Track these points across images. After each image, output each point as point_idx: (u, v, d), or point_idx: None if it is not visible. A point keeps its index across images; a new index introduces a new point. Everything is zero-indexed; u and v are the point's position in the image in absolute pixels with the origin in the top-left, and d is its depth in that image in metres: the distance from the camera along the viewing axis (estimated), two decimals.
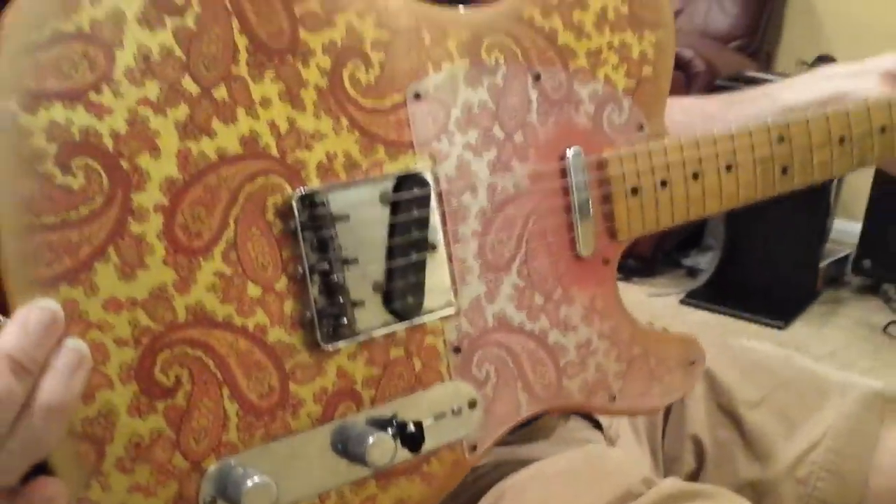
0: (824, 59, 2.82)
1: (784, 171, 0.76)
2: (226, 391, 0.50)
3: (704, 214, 0.72)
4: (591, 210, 0.65)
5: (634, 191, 0.67)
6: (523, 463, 0.65)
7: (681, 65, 2.62)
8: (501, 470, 0.65)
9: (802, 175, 0.77)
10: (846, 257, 2.87)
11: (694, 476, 0.81)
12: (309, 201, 0.52)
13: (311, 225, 0.52)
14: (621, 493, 0.60)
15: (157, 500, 0.49)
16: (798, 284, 2.69)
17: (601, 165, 0.65)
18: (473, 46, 0.59)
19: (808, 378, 0.85)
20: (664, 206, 0.69)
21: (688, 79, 2.68)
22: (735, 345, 0.89)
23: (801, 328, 2.60)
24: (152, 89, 0.47)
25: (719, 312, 2.61)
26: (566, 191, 0.64)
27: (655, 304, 0.67)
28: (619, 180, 0.66)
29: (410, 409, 0.57)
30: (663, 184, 0.68)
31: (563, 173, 0.63)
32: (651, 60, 0.68)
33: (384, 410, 0.56)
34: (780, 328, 2.57)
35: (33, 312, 0.43)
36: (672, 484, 0.61)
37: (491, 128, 0.60)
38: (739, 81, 2.86)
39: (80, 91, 0.45)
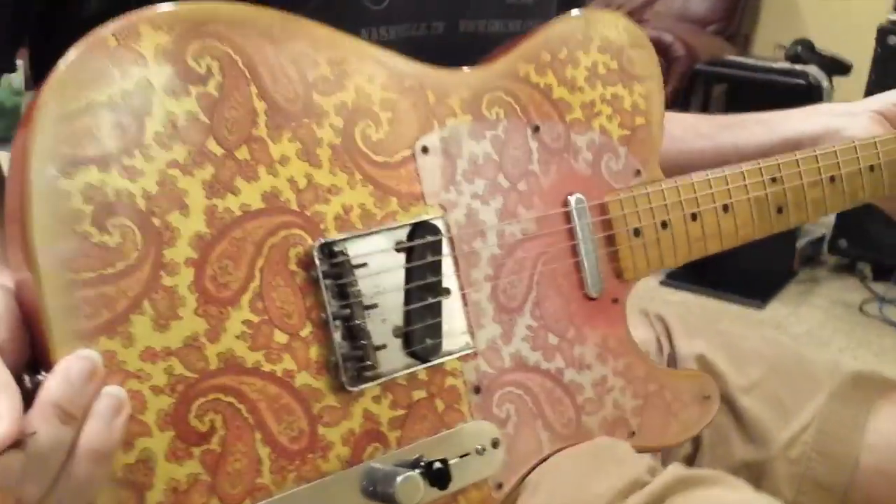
0: (802, 43, 2.87)
1: (779, 210, 0.79)
2: (258, 435, 0.52)
3: (707, 253, 0.75)
4: (597, 252, 0.67)
5: (636, 232, 0.70)
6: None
7: (661, 49, 2.67)
8: None
9: (797, 213, 0.80)
10: (822, 237, 2.93)
11: (690, 459, 0.81)
12: (328, 251, 0.55)
13: (332, 273, 0.55)
14: (629, 481, 0.61)
15: None
16: (775, 265, 2.74)
17: (603, 210, 0.68)
18: (474, 103, 0.63)
19: (798, 362, 0.86)
20: (666, 246, 0.71)
21: (668, 63, 2.72)
22: (726, 331, 0.90)
23: (778, 307, 2.65)
24: (180, 152, 0.51)
25: (698, 293, 2.67)
26: (571, 234, 0.67)
27: (637, 286, 0.69)
28: (621, 222, 0.69)
29: (436, 449, 0.59)
30: (664, 225, 0.71)
31: (568, 218, 0.66)
32: (643, 111, 0.72)
33: (411, 451, 0.58)
34: (758, 307, 2.62)
35: (75, 362, 0.46)
36: (674, 471, 0.62)
37: (496, 178, 0.63)
38: (719, 66, 2.92)
39: (113, 156, 0.49)
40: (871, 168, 0.85)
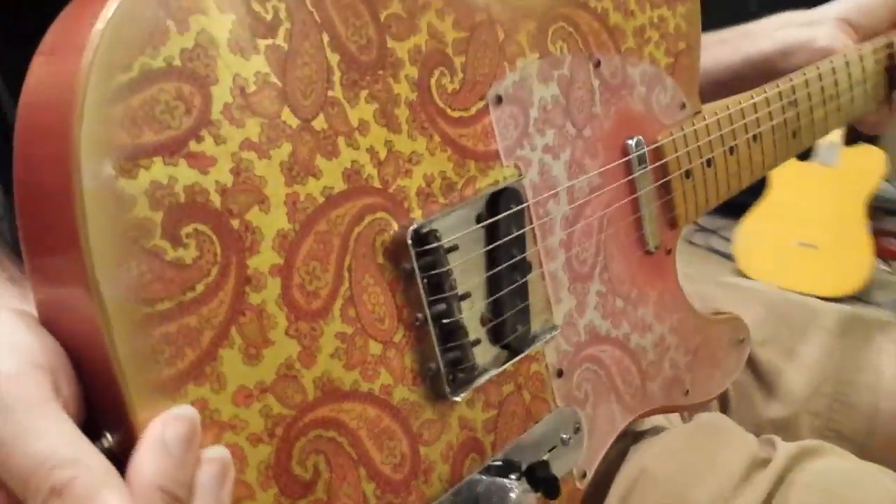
0: None
1: (794, 134, 0.74)
2: (362, 471, 0.43)
3: (738, 189, 0.69)
4: (655, 202, 0.60)
5: (688, 174, 0.63)
6: (638, 435, 0.61)
7: None
8: (618, 445, 0.60)
9: (808, 136, 0.77)
10: None
11: None
12: (422, 237, 0.45)
13: (426, 263, 0.45)
14: (749, 461, 0.58)
15: None
16: None
17: (658, 154, 0.61)
18: (541, 37, 0.53)
19: (792, 307, 0.86)
20: (710, 185, 0.66)
21: None
22: (726, 282, 0.88)
23: None
24: (253, 128, 0.39)
25: None
26: (631, 185, 0.59)
27: None
28: (675, 165, 0.62)
29: (528, 449, 0.51)
30: (709, 163, 0.65)
31: (628, 167, 0.59)
32: (684, 34, 0.64)
33: (505, 456, 0.50)
34: None
35: (170, 427, 0.35)
36: (786, 444, 0.59)
37: (564, 125, 0.54)
38: None
39: (180, 141, 0.36)
40: (862, 82, 0.82)
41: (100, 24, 0.34)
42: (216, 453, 0.36)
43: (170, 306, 0.36)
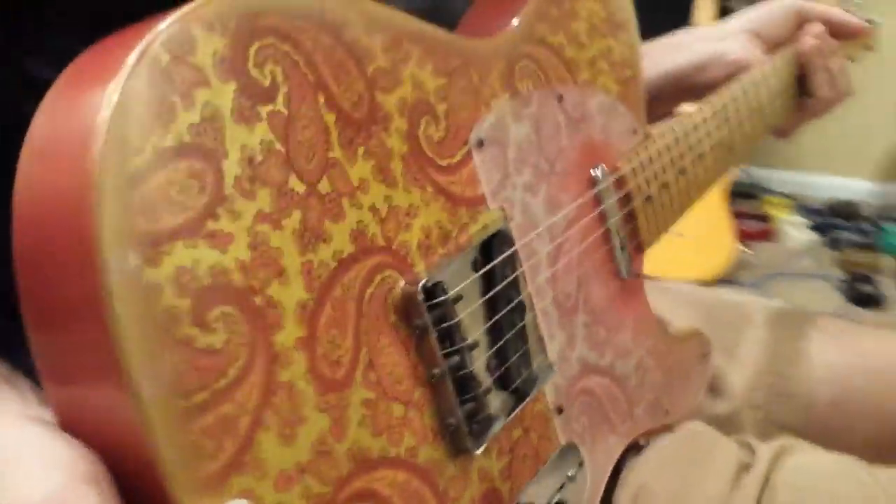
0: None
1: (730, 150, 0.77)
2: None
3: (688, 209, 0.71)
4: (624, 230, 0.61)
5: (648, 199, 0.64)
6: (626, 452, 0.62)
7: None
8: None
9: (741, 150, 0.79)
10: None
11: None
12: (430, 290, 0.44)
13: (437, 316, 0.44)
14: (736, 466, 0.60)
15: None
16: None
17: (621, 182, 0.61)
18: (510, 76, 0.53)
19: (722, 308, 0.88)
20: (667, 207, 0.67)
21: None
22: (666, 286, 0.89)
23: None
24: (264, 199, 0.37)
25: None
26: (602, 216, 0.60)
27: None
28: (637, 192, 0.63)
29: (540, 491, 0.51)
30: (665, 185, 0.66)
31: (597, 198, 0.59)
32: (629, 61, 0.65)
33: (519, 501, 0.49)
34: None
35: None
36: (763, 445, 0.61)
37: (538, 162, 0.55)
38: None
39: (198, 221, 0.35)
40: (780, 93, 0.85)
41: (105, 111, 0.32)
42: None
43: (205, 397, 0.34)
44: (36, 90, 0.46)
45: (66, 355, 0.33)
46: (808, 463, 0.61)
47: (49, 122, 0.34)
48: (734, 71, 0.84)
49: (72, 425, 0.34)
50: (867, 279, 2.46)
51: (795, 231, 2.72)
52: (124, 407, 0.32)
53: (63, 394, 0.34)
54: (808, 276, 2.53)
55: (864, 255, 2.64)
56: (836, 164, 3.06)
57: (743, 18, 0.91)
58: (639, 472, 0.59)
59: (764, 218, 2.82)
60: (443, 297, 0.44)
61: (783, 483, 0.59)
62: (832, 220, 2.85)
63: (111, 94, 0.33)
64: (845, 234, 2.76)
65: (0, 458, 0.33)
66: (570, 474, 0.53)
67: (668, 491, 0.58)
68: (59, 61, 0.45)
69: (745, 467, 0.59)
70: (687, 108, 0.76)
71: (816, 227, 2.78)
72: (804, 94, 0.92)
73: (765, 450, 0.61)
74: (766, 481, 0.58)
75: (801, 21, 0.91)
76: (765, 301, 0.90)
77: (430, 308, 0.44)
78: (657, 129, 0.69)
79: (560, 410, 0.53)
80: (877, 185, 3.07)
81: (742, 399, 0.80)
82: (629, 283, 0.62)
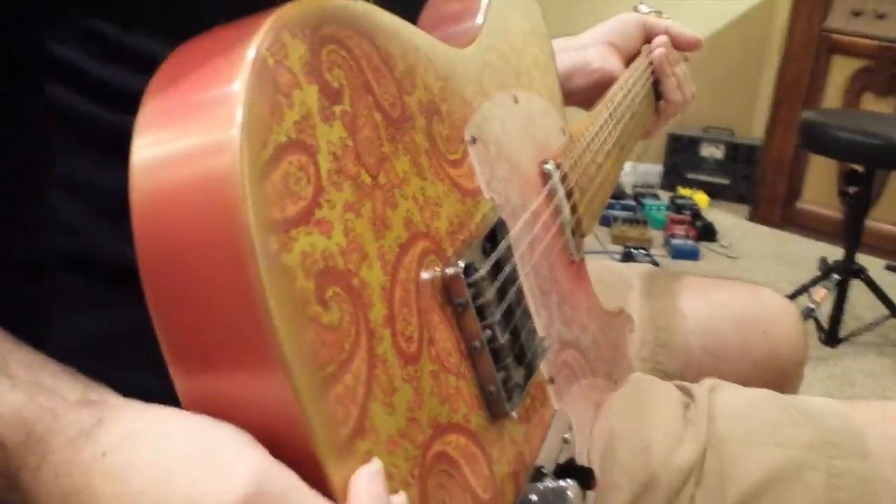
0: None
1: (622, 147, 0.86)
2: (468, 496, 0.46)
3: (608, 199, 0.79)
4: (571, 218, 0.68)
5: (583, 191, 0.71)
6: None
7: None
8: None
9: (629, 146, 0.89)
10: None
11: None
12: (467, 270, 0.48)
13: (475, 293, 0.49)
14: (681, 405, 0.68)
15: None
16: None
17: (565, 177, 0.68)
18: (481, 81, 0.59)
19: (607, 273, 0.97)
20: (596, 198, 0.74)
21: None
22: None
23: None
24: (348, 190, 0.41)
25: None
26: (557, 206, 0.66)
27: None
28: (576, 186, 0.70)
29: (549, 454, 0.56)
30: (591, 179, 0.73)
31: (551, 191, 0.65)
32: (551, 69, 0.72)
33: (535, 463, 0.54)
34: None
35: (375, 482, 0.36)
36: (696, 384, 0.69)
37: (510, 157, 0.60)
38: None
39: (309, 209, 0.38)
40: (644, 96, 0.96)
41: (238, 112, 0.35)
42: (400, 500, 0.38)
43: (333, 369, 0.37)
44: (58, 71, 0.47)
45: (214, 344, 0.35)
46: (735, 396, 0.69)
47: (172, 127, 0.36)
48: (598, 79, 0.94)
49: (211, 409, 0.36)
50: (640, 249, 2.81)
51: None
52: (277, 383, 0.35)
53: (202, 380, 0.36)
54: (592, 252, 2.77)
55: (634, 229, 2.93)
56: None
57: (599, 31, 1.01)
58: (604, 421, 0.66)
59: None
60: (477, 276, 0.48)
61: (721, 415, 0.67)
62: None
63: (239, 94, 0.35)
64: (613, 212, 3.07)
65: (181, 447, 0.34)
66: (565, 437, 0.59)
67: (632, 433, 0.65)
68: (82, 42, 0.47)
69: (686, 405, 0.67)
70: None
71: None
72: (659, 98, 1.03)
73: (698, 389, 0.69)
74: (708, 414, 0.67)
75: (648, 34, 1.02)
76: (638, 266, 1.01)
77: (469, 286, 0.48)
78: (573, 130, 0.76)
79: (552, 381, 0.59)
80: (633, 164, 3.48)
81: (633, 353, 0.89)
82: (578, 265, 0.69)
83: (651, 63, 1.01)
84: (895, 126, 2.36)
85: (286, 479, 0.34)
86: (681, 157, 3.55)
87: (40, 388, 0.38)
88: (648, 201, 3.23)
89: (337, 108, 0.41)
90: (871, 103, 3.05)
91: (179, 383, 0.36)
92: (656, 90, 1.02)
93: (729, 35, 3.47)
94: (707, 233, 3.06)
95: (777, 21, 3.39)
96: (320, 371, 0.36)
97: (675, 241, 2.95)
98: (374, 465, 0.37)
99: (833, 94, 3.13)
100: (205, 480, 0.33)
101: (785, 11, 3.23)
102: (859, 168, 2.31)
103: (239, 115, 0.35)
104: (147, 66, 0.43)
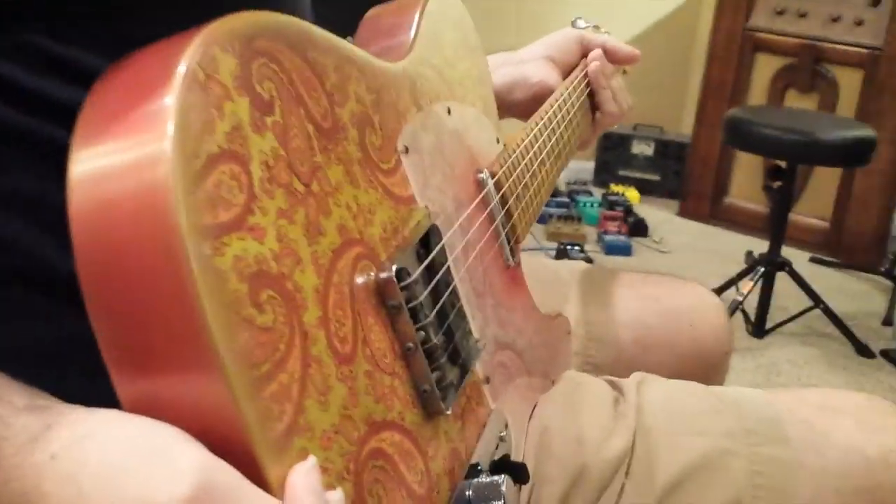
0: None
1: (559, 155, 0.89)
2: (403, 492, 0.48)
3: (541, 207, 0.81)
4: (505, 225, 0.70)
5: (517, 198, 0.73)
6: None
7: None
8: None
9: (566, 155, 0.92)
10: None
11: None
12: (399, 274, 0.50)
13: (407, 297, 0.51)
14: (612, 399, 0.71)
15: None
16: None
17: (498, 185, 0.70)
18: (413, 93, 0.61)
19: (546, 269, 1.01)
20: (530, 204, 0.77)
21: None
22: None
23: None
24: (280, 197, 0.42)
25: None
26: (490, 214, 0.68)
27: None
28: (510, 192, 0.72)
29: (485, 452, 0.58)
30: (526, 186, 0.76)
31: (485, 198, 0.68)
32: (484, 80, 0.75)
33: (473, 461, 0.56)
34: None
35: (312, 477, 0.38)
36: (628, 379, 0.72)
37: (444, 167, 0.62)
38: None
39: (242, 216, 0.39)
40: (580, 107, 0.99)
41: (170, 123, 0.37)
42: (336, 497, 0.40)
43: (268, 368, 0.39)
44: (54, 67, 0.48)
45: (152, 346, 0.37)
46: (661, 389, 0.72)
47: (108, 138, 0.38)
48: (537, 92, 0.97)
49: (151, 411, 0.38)
50: (575, 245, 2.90)
51: None
52: (213, 382, 0.36)
53: (142, 383, 0.37)
54: (528, 249, 2.82)
55: (568, 225, 3.01)
56: None
57: (538, 46, 1.04)
58: (538, 418, 0.68)
59: None
60: (410, 279, 0.50)
61: (649, 407, 0.70)
62: None
63: (171, 107, 0.37)
64: (548, 209, 3.15)
65: (128, 448, 0.36)
66: (501, 435, 0.61)
67: (564, 427, 0.67)
68: (17, 55, 0.48)
69: (616, 399, 0.70)
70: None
71: None
72: (595, 109, 1.06)
73: (627, 383, 0.72)
74: (637, 407, 0.69)
75: (584, 48, 1.06)
76: (572, 264, 1.04)
77: (403, 289, 0.50)
78: (506, 139, 0.79)
79: (488, 380, 0.61)
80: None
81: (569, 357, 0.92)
82: (513, 271, 0.71)
83: (587, 76, 1.04)
84: (816, 122, 2.45)
85: (231, 474, 0.35)
86: (612, 155, 3.64)
87: None
88: (582, 198, 3.31)
89: (269, 119, 0.43)
90: (794, 100, 3.16)
91: (120, 387, 0.38)
92: (592, 102, 1.06)
93: (657, 34, 3.57)
94: (639, 228, 3.15)
95: (703, 20, 3.50)
96: (255, 370, 0.38)
97: (608, 238, 3.03)
98: (310, 462, 0.38)
99: (758, 91, 3.23)
100: (154, 478, 0.34)
101: (710, 11, 3.33)
102: (782, 163, 2.38)
103: (170, 128, 0.37)
104: (82, 78, 0.45)
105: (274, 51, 0.45)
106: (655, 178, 3.61)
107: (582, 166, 3.67)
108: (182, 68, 0.38)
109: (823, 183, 3.09)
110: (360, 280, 0.48)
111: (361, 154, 0.51)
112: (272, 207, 0.42)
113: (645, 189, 3.57)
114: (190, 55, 0.39)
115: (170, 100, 0.37)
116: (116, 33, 0.43)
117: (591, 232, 3.13)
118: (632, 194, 3.45)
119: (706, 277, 2.68)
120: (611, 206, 3.27)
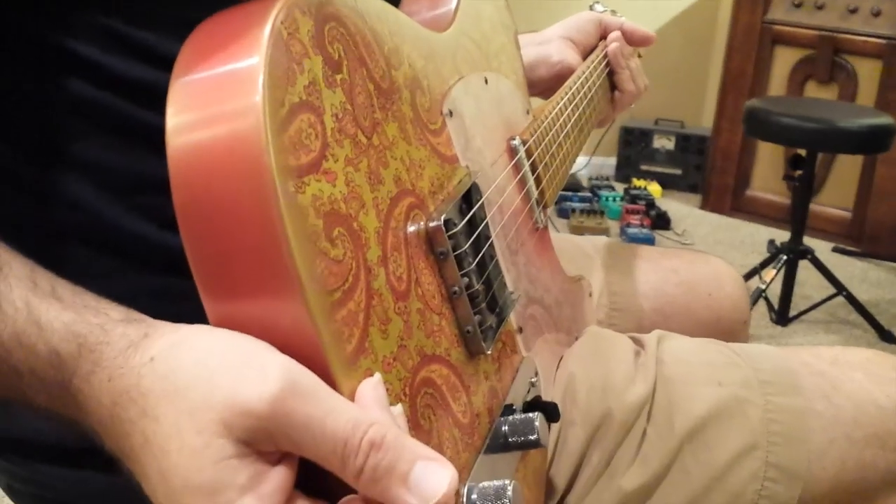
0: None
1: (581, 129, 0.93)
2: (450, 419, 0.52)
3: (567, 175, 0.86)
4: (535, 189, 0.75)
5: (545, 165, 0.78)
6: None
7: None
8: None
9: (587, 129, 0.96)
10: None
11: None
12: (448, 224, 0.55)
13: (454, 245, 0.55)
14: (634, 351, 0.75)
15: None
16: None
17: (529, 151, 0.75)
18: (455, 62, 0.65)
19: (571, 245, 1.06)
20: (557, 171, 0.81)
21: None
22: None
23: None
24: (348, 147, 0.47)
25: None
26: (523, 177, 0.73)
27: None
28: (539, 160, 0.77)
29: (517, 394, 0.63)
30: (553, 156, 0.81)
31: (518, 163, 0.72)
32: (516, 55, 0.79)
33: (508, 400, 0.61)
34: None
35: (379, 389, 0.43)
36: (647, 335, 0.77)
37: (482, 132, 0.67)
38: None
39: (318, 161, 0.44)
40: (600, 86, 1.03)
41: (260, 75, 0.41)
42: (398, 410, 0.44)
43: (339, 295, 0.44)
44: (75, 65, 0.53)
45: (242, 271, 0.41)
46: (681, 344, 0.77)
47: (201, 92, 0.42)
48: (559, 70, 1.02)
49: (238, 329, 0.42)
50: None
51: None
52: (294, 303, 0.41)
53: (230, 304, 0.42)
54: None
55: (591, 219, 3.06)
56: None
57: (559, 27, 1.09)
58: (564, 367, 0.73)
59: None
60: (456, 229, 0.55)
61: (669, 359, 0.74)
62: (560, 192, 3.29)
63: (260, 61, 0.42)
64: (571, 203, 3.19)
65: (221, 351, 0.40)
66: (532, 381, 0.66)
67: (589, 373, 0.72)
68: (96, 38, 0.53)
69: (637, 352, 0.75)
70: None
71: None
72: (614, 89, 1.11)
73: (648, 338, 0.77)
74: (657, 359, 0.74)
75: (603, 30, 1.10)
76: (594, 238, 1.10)
77: (449, 238, 0.55)
78: (534, 111, 0.83)
79: (521, 330, 0.66)
80: (587, 158, 3.62)
81: (590, 318, 0.96)
82: (542, 233, 0.76)
83: (606, 56, 1.08)
84: (835, 110, 2.48)
85: (312, 377, 0.40)
86: (633, 150, 3.67)
87: (87, 308, 0.44)
88: (604, 193, 3.35)
89: (338, 77, 0.48)
90: (814, 91, 3.19)
91: (210, 308, 0.43)
92: (612, 82, 1.10)
93: (676, 29, 3.61)
94: (661, 221, 3.18)
95: (722, 14, 3.53)
96: (329, 296, 0.43)
97: (631, 230, 3.06)
98: (377, 377, 0.43)
99: (777, 83, 3.27)
100: (245, 377, 0.39)
101: (728, 5, 3.36)
102: (802, 152, 2.42)
103: (260, 79, 0.41)
104: (153, 58, 0.50)
105: (341, 16, 0.49)
106: (677, 172, 3.64)
107: (604, 162, 3.71)
108: (268, 27, 0.43)
109: (845, 174, 3.13)
110: (412, 228, 0.52)
111: (413, 114, 0.56)
112: (341, 155, 0.46)
113: (667, 183, 3.60)
114: (275, 15, 0.43)
115: (260, 54, 0.42)
116: (184, 18, 0.48)
117: (613, 226, 3.16)
118: (654, 189, 3.48)
119: None
120: (633, 200, 3.30)
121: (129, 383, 0.40)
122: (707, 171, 3.51)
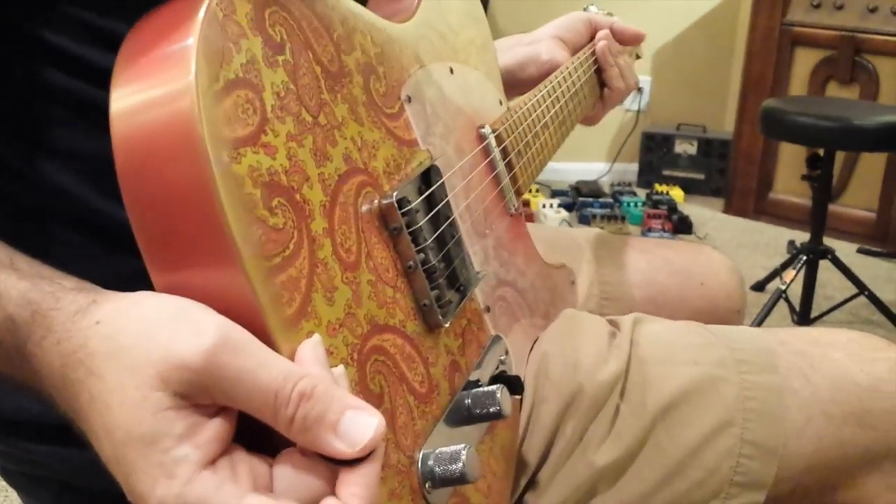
0: None
1: (563, 123, 0.95)
2: (404, 387, 0.54)
3: (545, 165, 0.88)
4: (507, 176, 0.77)
5: (518, 153, 0.80)
6: None
7: None
8: None
9: (570, 123, 0.98)
10: None
11: None
12: (401, 202, 0.57)
13: (408, 221, 0.57)
14: (608, 331, 0.76)
15: (399, 502, 0.51)
16: None
17: (499, 139, 0.77)
18: (416, 51, 0.67)
19: (561, 236, 1.07)
20: (532, 160, 0.83)
21: None
22: None
23: None
24: (290, 123, 0.49)
25: None
26: (492, 164, 0.75)
27: None
28: (512, 147, 0.78)
29: (486, 370, 0.64)
30: (527, 145, 0.82)
31: (486, 150, 0.74)
32: (487, 47, 0.81)
33: (473, 376, 0.63)
34: None
35: (319, 350, 0.45)
36: (624, 318, 0.78)
37: (445, 118, 0.69)
38: None
39: (256, 134, 0.46)
40: (586, 82, 1.05)
41: (194, 51, 0.44)
42: (339, 371, 0.46)
43: (279, 261, 0.46)
44: (48, 54, 0.56)
45: (180, 238, 0.44)
46: (657, 326, 0.78)
47: (142, 80, 0.45)
48: (549, 69, 1.03)
49: (181, 295, 0.45)
50: None
51: (552, 212, 3.12)
52: (231, 268, 0.43)
53: (173, 271, 0.45)
54: None
55: (611, 225, 3.06)
56: (576, 152, 3.55)
57: (549, 27, 1.10)
58: (538, 346, 0.74)
59: (524, 204, 3.22)
60: (409, 207, 0.57)
61: (644, 340, 0.75)
62: (581, 198, 3.36)
63: (195, 40, 0.44)
64: (592, 209, 3.23)
65: (159, 311, 0.43)
66: (501, 359, 0.67)
67: (562, 352, 0.73)
68: (66, 28, 0.55)
69: (613, 333, 0.76)
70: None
71: (566, 206, 3.26)
72: (603, 86, 1.12)
73: (624, 320, 0.78)
74: (632, 340, 0.75)
75: (593, 29, 1.12)
76: (587, 229, 1.11)
77: (404, 214, 0.57)
78: (511, 104, 0.85)
79: (488, 309, 0.67)
80: (609, 165, 3.71)
81: (581, 306, 0.98)
82: (516, 218, 0.78)
83: (594, 53, 1.10)
84: (852, 109, 2.46)
85: (245, 332, 0.42)
86: (655, 155, 3.66)
87: (42, 277, 0.46)
88: (626, 198, 3.35)
89: (280, 58, 0.50)
90: (835, 92, 3.17)
91: (155, 277, 0.45)
92: (601, 80, 1.12)
93: (696, 34, 3.61)
94: (683, 226, 3.16)
95: (741, 17, 3.52)
96: (267, 261, 0.45)
97: (653, 235, 3.05)
98: (316, 338, 0.45)
99: (798, 85, 3.25)
100: (180, 333, 0.41)
101: (747, 8, 3.36)
102: (820, 151, 2.40)
103: (194, 56, 0.44)
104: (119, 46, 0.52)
105: (284, 1, 0.52)
106: (700, 176, 3.63)
107: (626, 168, 3.72)
108: (203, 8, 0.45)
109: (868, 175, 3.10)
110: (364, 206, 0.54)
111: (366, 97, 0.58)
112: (283, 131, 0.48)
113: (689, 188, 3.59)
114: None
115: (194, 33, 0.44)
116: (153, 8, 0.50)
117: (634, 231, 3.16)
118: (676, 193, 3.46)
119: (751, 270, 2.73)
120: (655, 205, 3.29)
121: (77, 345, 0.43)
122: (729, 174, 3.49)
